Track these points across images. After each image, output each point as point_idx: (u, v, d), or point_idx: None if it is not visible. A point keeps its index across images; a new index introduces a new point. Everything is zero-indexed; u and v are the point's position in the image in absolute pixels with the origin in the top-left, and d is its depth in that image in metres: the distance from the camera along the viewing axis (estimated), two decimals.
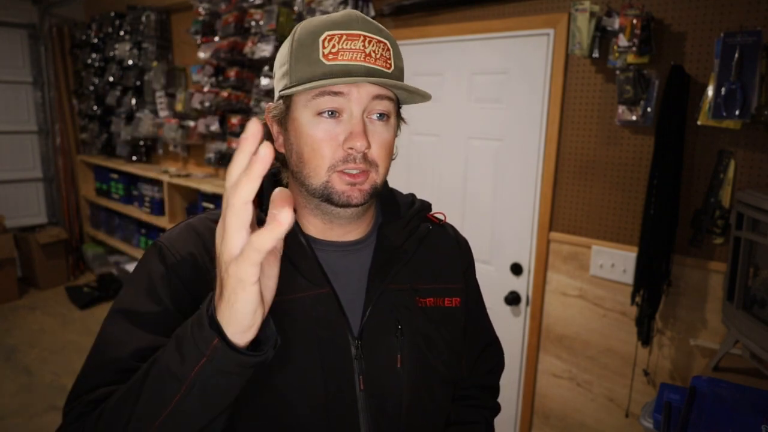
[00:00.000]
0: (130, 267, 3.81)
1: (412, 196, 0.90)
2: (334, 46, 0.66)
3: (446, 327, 0.83)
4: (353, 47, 0.66)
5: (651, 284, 1.68)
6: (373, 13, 2.29)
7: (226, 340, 0.51)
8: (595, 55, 1.73)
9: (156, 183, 3.76)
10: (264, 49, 2.66)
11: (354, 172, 0.68)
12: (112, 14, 3.92)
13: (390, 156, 0.73)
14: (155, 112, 3.72)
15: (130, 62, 3.80)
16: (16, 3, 4.33)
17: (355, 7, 2.27)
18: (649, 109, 1.65)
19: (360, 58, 0.66)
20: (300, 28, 0.71)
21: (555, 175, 1.95)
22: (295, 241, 0.74)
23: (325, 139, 0.67)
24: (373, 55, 0.67)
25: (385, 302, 0.77)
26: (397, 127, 0.76)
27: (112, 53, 3.96)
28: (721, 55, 1.43)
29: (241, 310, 0.49)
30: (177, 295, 0.68)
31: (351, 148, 0.67)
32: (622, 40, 1.61)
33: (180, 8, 3.46)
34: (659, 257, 1.65)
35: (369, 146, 0.67)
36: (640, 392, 1.83)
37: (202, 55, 3.03)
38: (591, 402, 1.97)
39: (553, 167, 1.94)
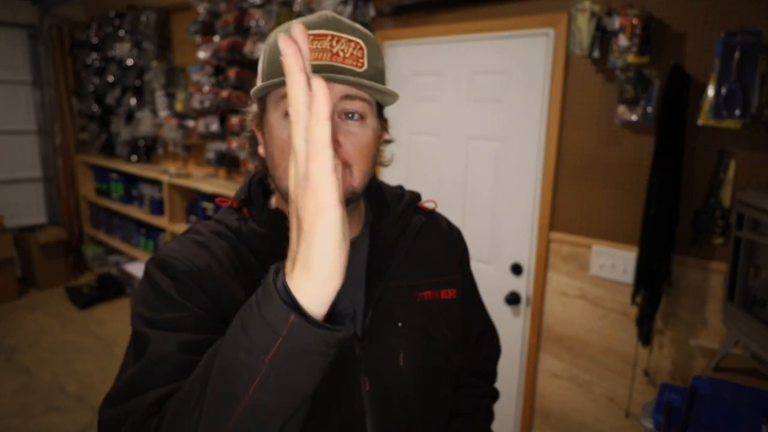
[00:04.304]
0: (130, 267, 3.80)
1: (400, 188, 0.89)
2: None
3: (444, 320, 0.84)
4: (319, 47, 0.65)
5: (651, 284, 1.67)
6: (373, 13, 2.29)
7: (304, 312, 0.45)
8: (595, 55, 1.73)
9: (156, 183, 3.76)
10: None
11: None
12: (112, 14, 3.92)
13: (369, 157, 0.70)
14: (155, 112, 3.71)
15: (130, 62, 3.80)
16: (16, 3, 4.33)
17: (355, 7, 2.26)
18: (649, 109, 1.65)
19: (326, 57, 0.64)
20: (276, 31, 0.71)
21: (555, 175, 1.95)
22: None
23: None
24: (341, 54, 0.65)
25: (385, 301, 0.77)
26: (381, 128, 0.73)
27: (111, 53, 3.96)
28: (722, 55, 1.43)
29: (321, 245, 0.42)
30: (195, 297, 0.64)
31: None
32: (623, 40, 1.61)
33: (180, 8, 3.45)
34: (659, 257, 1.65)
35: (339, 145, 0.65)
36: (640, 392, 1.83)
37: (202, 55, 3.03)
38: (591, 402, 1.97)
39: (553, 167, 1.94)
